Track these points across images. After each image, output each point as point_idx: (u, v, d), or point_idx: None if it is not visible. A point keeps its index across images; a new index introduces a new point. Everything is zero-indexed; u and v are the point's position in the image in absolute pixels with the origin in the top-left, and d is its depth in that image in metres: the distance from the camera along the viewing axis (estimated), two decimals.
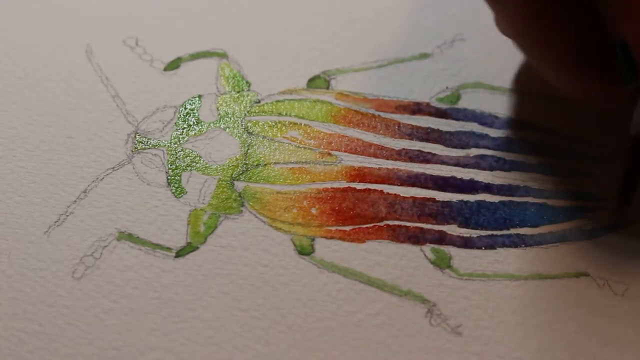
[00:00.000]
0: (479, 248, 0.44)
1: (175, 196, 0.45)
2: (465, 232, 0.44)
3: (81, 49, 0.51)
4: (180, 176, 0.45)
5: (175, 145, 0.46)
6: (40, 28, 0.52)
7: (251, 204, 0.45)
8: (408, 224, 0.44)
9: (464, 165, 0.46)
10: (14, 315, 0.41)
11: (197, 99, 0.48)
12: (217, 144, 0.47)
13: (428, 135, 0.47)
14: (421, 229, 0.44)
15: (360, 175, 0.46)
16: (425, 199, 0.45)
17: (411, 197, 0.45)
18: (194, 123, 0.47)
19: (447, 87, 0.49)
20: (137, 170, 0.46)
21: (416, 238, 0.44)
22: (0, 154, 0.46)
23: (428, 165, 0.46)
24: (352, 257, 0.43)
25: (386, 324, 0.42)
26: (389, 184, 0.45)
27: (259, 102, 0.48)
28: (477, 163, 0.46)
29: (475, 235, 0.44)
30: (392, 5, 0.53)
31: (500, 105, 0.49)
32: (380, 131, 0.47)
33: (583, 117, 0.48)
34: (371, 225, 0.44)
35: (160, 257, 0.43)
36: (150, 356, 0.40)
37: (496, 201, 0.45)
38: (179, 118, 0.47)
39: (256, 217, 0.44)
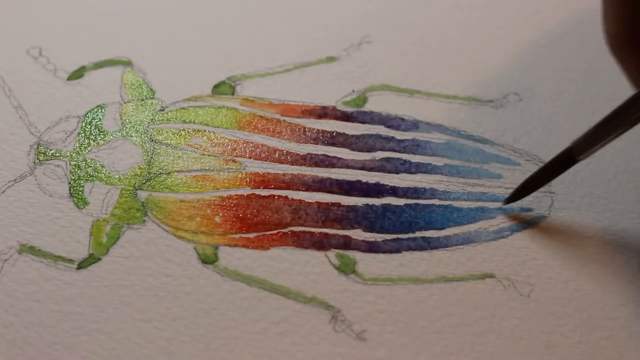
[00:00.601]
0: (384, 252, 0.44)
1: (78, 207, 0.44)
2: (370, 236, 0.44)
3: None
4: (82, 187, 0.45)
5: (78, 155, 0.46)
6: None
7: (154, 213, 0.44)
8: (313, 229, 0.44)
9: (370, 169, 0.46)
10: None
11: (100, 108, 0.48)
12: (120, 153, 0.46)
13: (334, 139, 0.47)
14: (326, 234, 0.44)
15: (264, 181, 0.45)
16: (331, 204, 0.45)
17: (316, 202, 0.45)
18: (97, 132, 0.47)
19: (353, 90, 0.49)
20: (39, 182, 0.45)
21: (321, 244, 0.44)
22: None
23: (333, 170, 0.46)
24: (256, 264, 0.43)
25: (290, 331, 0.41)
26: (293, 189, 0.45)
27: (164, 109, 0.48)
28: (383, 166, 0.46)
29: (380, 240, 0.44)
30: (298, 8, 0.53)
31: (407, 108, 0.48)
32: (286, 136, 0.47)
33: (487, 117, 0.48)
34: (275, 231, 0.44)
35: (62, 269, 0.43)
36: None
37: (402, 204, 0.45)
38: (82, 128, 0.47)
39: (159, 226, 0.44)
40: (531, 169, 0.46)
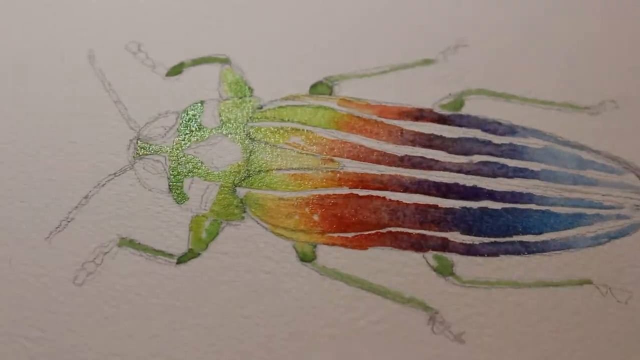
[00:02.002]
0: (482, 255, 0.44)
1: (177, 202, 0.45)
2: (468, 239, 0.44)
3: (83, 54, 0.51)
4: (182, 182, 0.45)
5: (177, 151, 0.46)
6: (43, 33, 0.52)
7: (253, 210, 0.44)
8: (410, 230, 0.44)
9: (467, 172, 0.46)
10: (15, 321, 0.41)
11: (199, 104, 0.48)
12: (219, 150, 0.46)
13: (431, 141, 0.47)
14: (424, 235, 0.44)
15: (362, 181, 0.45)
16: (428, 206, 0.45)
17: (414, 203, 0.45)
18: (196, 129, 0.47)
19: (450, 94, 0.49)
20: (139, 176, 0.46)
21: (419, 245, 0.44)
22: (1, 159, 0.46)
23: (431, 172, 0.46)
24: (355, 263, 0.43)
25: (388, 331, 0.42)
26: (391, 190, 0.45)
27: (261, 108, 0.48)
28: (480, 170, 0.46)
29: (478, 243, 0.44)
30: (394, 10, 0.53)
31: (504, 112, 0.48)
32: (383, 137, 0.47)
33: (584, 124, 0.48)
34: (373, 232, 0.44)
35: (162, 264, 0.43)
36: None
37: (499, 208, 0.45)
38: (181, 124, 0.47)
39: (258, 223, 0.44)
40: (628, 176, 0.46)
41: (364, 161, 0.46)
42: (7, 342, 0.40)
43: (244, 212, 0.44)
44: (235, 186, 0.45)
